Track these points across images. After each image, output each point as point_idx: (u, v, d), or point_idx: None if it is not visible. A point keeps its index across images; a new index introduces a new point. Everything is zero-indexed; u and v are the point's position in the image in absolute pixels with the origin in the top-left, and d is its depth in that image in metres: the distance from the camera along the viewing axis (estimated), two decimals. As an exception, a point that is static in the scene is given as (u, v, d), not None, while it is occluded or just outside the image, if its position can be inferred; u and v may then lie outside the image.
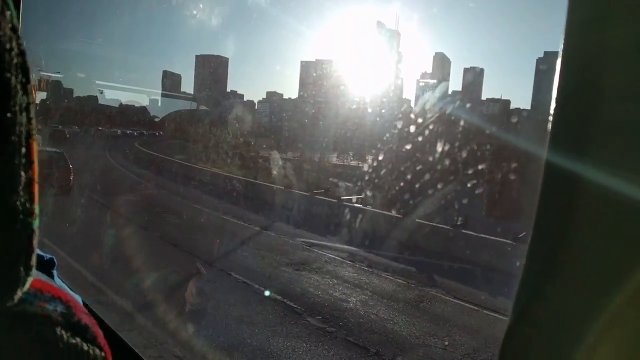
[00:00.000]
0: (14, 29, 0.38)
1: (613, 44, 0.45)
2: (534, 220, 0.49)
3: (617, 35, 0.45)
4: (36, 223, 0.41)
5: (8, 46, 0.37)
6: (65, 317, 0.45)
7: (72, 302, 0.47)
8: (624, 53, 0.45)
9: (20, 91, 0.38)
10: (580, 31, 0.48)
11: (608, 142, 0.45)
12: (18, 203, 0.39)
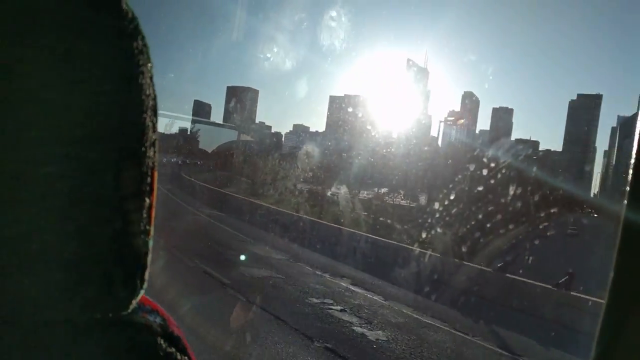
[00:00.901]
0: (152, 77, 0.45)
1: None
2: (611, 280, 0.48)
3: None
4: (151, 242, 0.46)
5: (148, 92, 0.44)
6: (163, 328, 0.49)
7: (166, 315, 0.52)
8: None
9: (152, 129, 0.45)
10: None
11: None
12: (141, 224, 0.44)
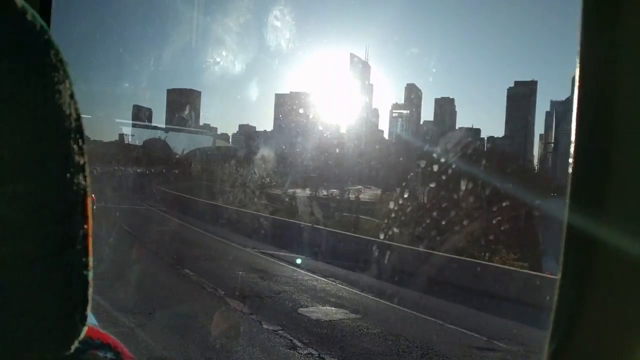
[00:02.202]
0: (72, 95, 0.41)
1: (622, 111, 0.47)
2: (559, 276, 0.50)
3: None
4: (90, 275, 0.43)
5: (68, 112, 0.40)
6: None
7: (120, 347, 0.49)
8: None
9: (77, 153, 0.41)
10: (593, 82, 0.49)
11: (623, 202, 0.47)
12: (75, 257, 0.41)
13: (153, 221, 20.49)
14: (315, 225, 17.83)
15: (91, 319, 0.53)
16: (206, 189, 28.61)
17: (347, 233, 17.82)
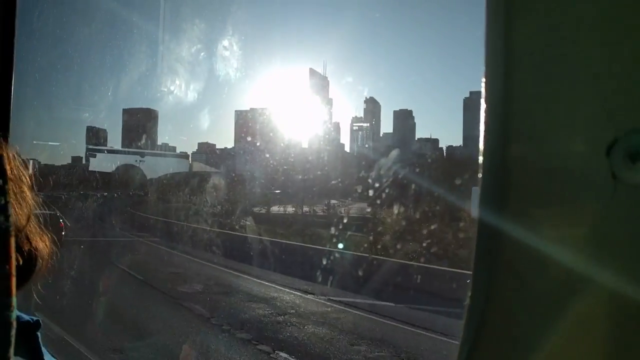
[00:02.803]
0: None
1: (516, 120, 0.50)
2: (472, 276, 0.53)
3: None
4: (13, 315, 0.41)
5: None
6: None
7: None
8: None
9: None
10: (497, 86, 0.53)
11: (518, 199, 0.51)
12: None
13: (154, 257, 17.35)
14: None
15: (40, 342, 0.56)
16: (189, 212, 27.10)
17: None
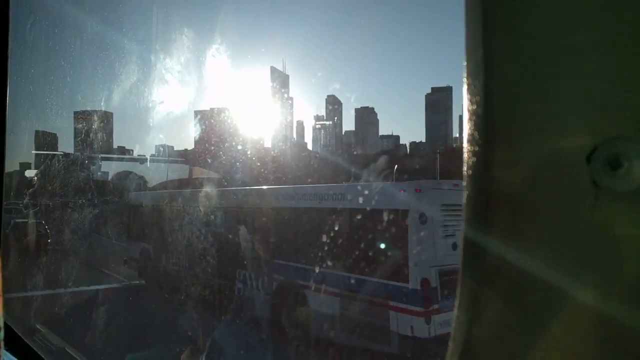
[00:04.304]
0: None
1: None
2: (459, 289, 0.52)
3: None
4: (1, 335, 0.41)
5: None
6: None
7: None
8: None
9: None
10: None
11: (500, 207, 0.50)
12: None
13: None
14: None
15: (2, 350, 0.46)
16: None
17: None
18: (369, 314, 6.40)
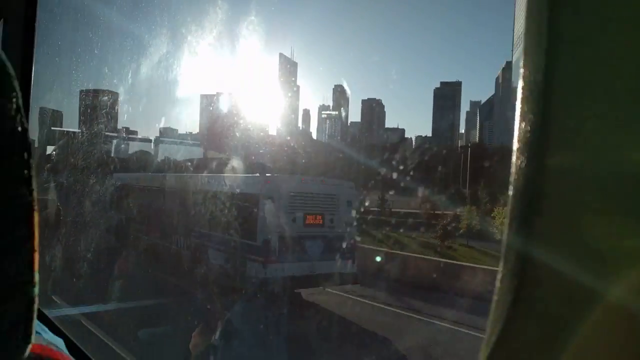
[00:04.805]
0: (18, 109, 0.41)
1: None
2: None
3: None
4: (36, 291, 0.42)
5: (12, 125, 0.41)
6: None
7: None
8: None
9: (22, 165, 0.41)
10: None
11: (549, 222, 0.47)
12: (18, 273, 0.41)
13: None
14: None
15: (47, 334, 0.51)
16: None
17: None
18: (237, 261, 9.75)
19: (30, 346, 0.42)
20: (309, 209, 9.96)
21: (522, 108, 0.47)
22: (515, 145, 0.48)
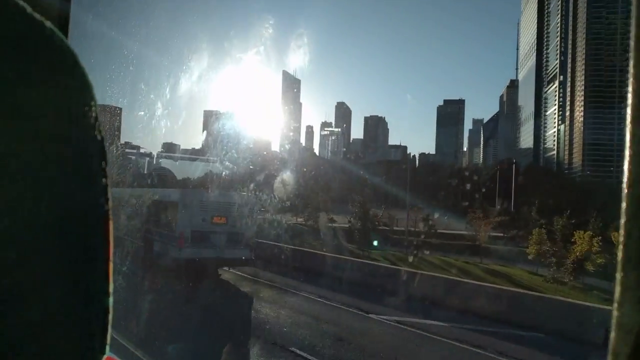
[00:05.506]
0: (97, 117, 0.41)
1: None
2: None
3: None
4: (110, 301, 0.42)
5: (92, 134, 0.41)
6: None
7: None
8: None
9: (100, 175, 0.41)
10: None
11: None
12: (94, 283, 0.41)
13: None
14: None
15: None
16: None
17: None
18: (166, 247, 14.99)
19: (105, 357, 0.41)
20: (215, 212, 14.40)
21: (632, 114, 0.38)
22: (628, 152, 0.38)
